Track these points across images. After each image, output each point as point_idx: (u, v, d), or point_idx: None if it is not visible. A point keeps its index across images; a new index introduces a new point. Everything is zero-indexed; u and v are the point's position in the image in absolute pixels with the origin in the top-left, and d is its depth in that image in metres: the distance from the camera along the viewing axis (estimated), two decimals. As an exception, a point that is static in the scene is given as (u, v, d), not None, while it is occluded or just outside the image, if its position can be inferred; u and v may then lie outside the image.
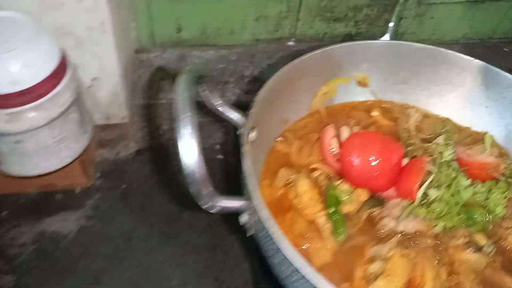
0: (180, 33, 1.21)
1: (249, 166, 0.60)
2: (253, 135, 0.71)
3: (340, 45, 0.83)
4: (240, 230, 0.67)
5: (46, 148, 0.85)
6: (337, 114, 0.89)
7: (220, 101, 0.70)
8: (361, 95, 0.93)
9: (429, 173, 0.75)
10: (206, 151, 1.05)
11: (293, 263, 0.53)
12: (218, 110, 0.70)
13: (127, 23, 1.12)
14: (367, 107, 0.92)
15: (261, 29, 1.22)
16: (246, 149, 0.62)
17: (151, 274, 0.85)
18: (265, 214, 0.57)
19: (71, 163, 0.91)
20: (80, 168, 0.95)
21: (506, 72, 0.86)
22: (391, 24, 1.23)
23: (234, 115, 0.69)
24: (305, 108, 0.88)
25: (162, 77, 1.20)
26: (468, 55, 0.88)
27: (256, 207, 0.58)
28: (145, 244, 0.89)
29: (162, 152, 1.05)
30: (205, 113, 1.11)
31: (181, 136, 0.51)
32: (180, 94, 0.53)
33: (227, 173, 1.00)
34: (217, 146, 1.06)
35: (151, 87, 1.17)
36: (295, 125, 0.87)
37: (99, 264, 0.85)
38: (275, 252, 0.57)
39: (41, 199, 0.93)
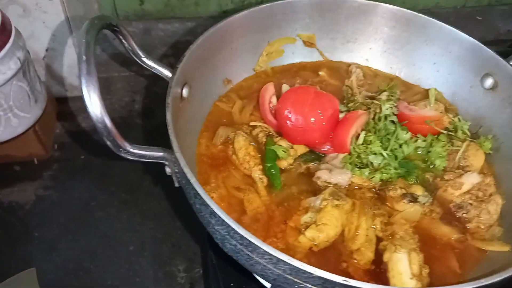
0: (143, 5, 1.20)
1: (170, 117, 0.61)
2: (185, 91, 0.71)
3: (278, 2, 0.83)
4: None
5: (-6, 117, 0.85)
6: (284, 74, 0.89)
7: (145, 54, 0.70)
8: (310, 56, 0.92)
9: (365, 125, 0.75)
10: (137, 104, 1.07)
11: (207, 202, 0.54)
12: (145, 63, 0.70)
13: (85, -7, 1.12)
14: (315, 67, 0.91)
15: (227, 0, 1.21)
16: (169, 100, 0.62)
17: (107, 240, 0.85)
18: (182, 162, 0.57)
19: (25, 133, 0.92)
20: (35, 139, 0.95)
21: (452, 27, 0.85)
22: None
23: (161, 69, 0.69)
24: (250, 69, 0.88)
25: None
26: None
27: (176, 155, 0.58)
28: (103, 212, 0.89)
29: (123, 123, 1.05)
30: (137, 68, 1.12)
31: (82, 84, 0.51)
32: (82, 40, 0.53)
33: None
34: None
35: (114, 61, 1.17)
36: (240, 85, 0.86)
37: (55, 232, 0.86)
38: (194, 197, 0.58)
39: (-2, 170, 0.95)
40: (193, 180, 0.55)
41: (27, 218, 0.87)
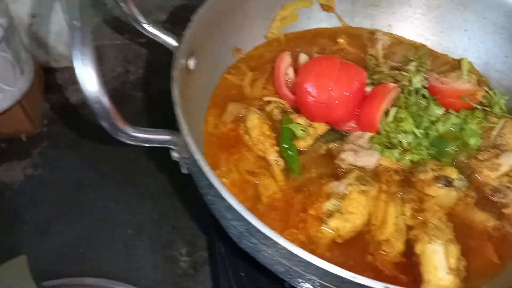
0: (137, -35, 1.10)
1: (177, 94, 0.52)
2: (192, 62, 0.62)
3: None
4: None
5: (-24, 91, 0.76)
6: (299, 42, 0.80)
7: (147, 21, 0.61)
8: (327, 21, 0.83)
9: (395, 101, 0.67)
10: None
11: (223, 195, 0.46)
12: (147, 31, 0.61)
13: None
14: (333, 34, 0.82)
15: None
16: (175, 75, 0.53)
17: (103, 223, 0.80)
18: (193, 147, 0.49)
19: (10, 108, 0.83)
20: (22, 114, 0.87)
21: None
22: None
23: (165, 37, 0.60)
24: (261, 36, 0.79)
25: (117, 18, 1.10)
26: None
27: (185, 139, 0.50)
28: (97, 192, 0.84)
29: (116, 96, 0.96)
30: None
31: (74, 56, 0.42)
32: (74, 2, 0.43)
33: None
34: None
35: (105, 27, 1.07)
36: (250, 54, 0.77)
37: (47, 215, 0.80)
38: (207, 187, 0.50)
39: (-17, 148, 0.87)
40: (206, 169, 0.47)
41: (15, 199, 0.82)
